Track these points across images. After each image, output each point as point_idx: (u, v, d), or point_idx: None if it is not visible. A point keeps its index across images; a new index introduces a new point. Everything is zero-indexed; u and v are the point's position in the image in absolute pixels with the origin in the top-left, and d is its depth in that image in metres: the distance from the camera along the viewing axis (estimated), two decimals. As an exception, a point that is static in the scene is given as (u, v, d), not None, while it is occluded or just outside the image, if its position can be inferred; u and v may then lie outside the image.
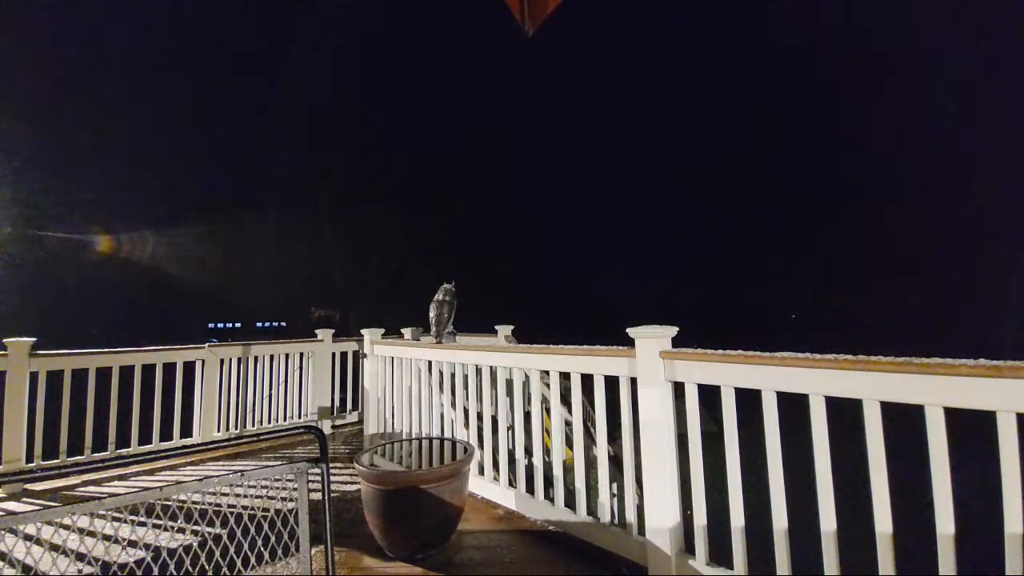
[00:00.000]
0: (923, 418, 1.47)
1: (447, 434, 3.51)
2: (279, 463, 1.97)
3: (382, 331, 4.44)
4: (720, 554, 2.03)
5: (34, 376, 3.63)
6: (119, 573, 1.59)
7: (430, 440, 3.20)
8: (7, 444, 3.46)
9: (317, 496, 1.62)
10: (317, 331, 5.17)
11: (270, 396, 4.84)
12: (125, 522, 2.35)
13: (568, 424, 3.85)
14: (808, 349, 1.80)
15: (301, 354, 5.06)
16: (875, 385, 1.57)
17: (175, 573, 1.48)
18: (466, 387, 3.43)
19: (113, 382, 3.94)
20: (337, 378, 5.29)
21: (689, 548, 2.12)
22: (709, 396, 2.06)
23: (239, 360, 4.63)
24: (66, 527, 2.33)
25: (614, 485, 3.01)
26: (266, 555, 1.61)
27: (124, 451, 3.97)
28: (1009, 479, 1.33)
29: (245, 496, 2.98)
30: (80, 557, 2.05)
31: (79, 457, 3.74)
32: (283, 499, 1.67)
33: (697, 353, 2.08)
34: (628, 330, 2.27)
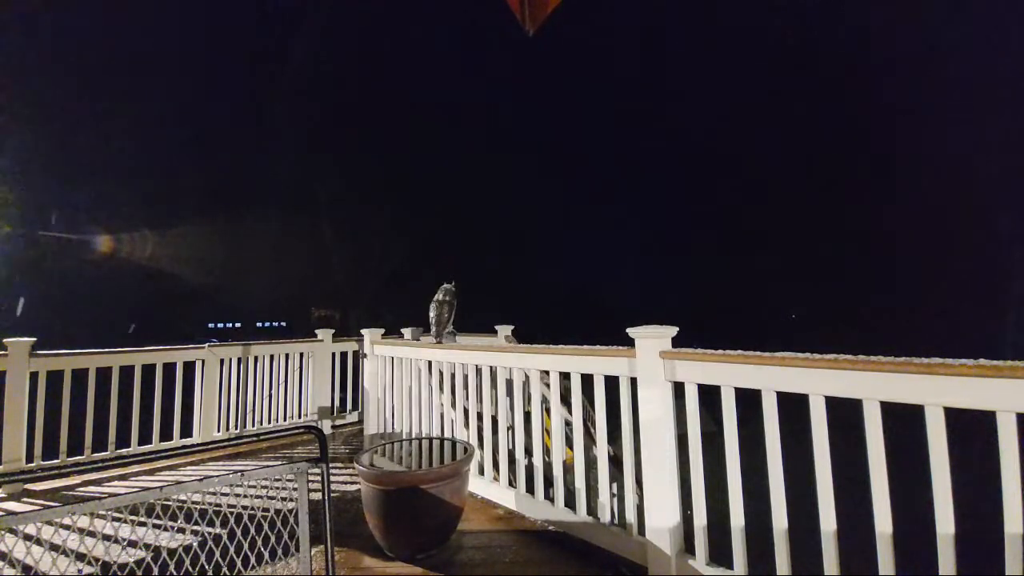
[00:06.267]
0: (923, 418, 1.47)
1: (447, 434, 3.51)
2: (279, 463, 1.97)
3: (382, 331, 4.44)
4: (720, 554, 2.03)
5: (34, 376, 3.63)
6: (119, 573, 1.59)
7: (430, 440, 3.20)
8: (7, 444, 3.46)
9: (317, 496, 1.61)
10: (317, 331, 5.17)
11: (270, 396, 4.83)
12: (125, 522, 2.35)
13: (568, 424, 3.85)
14: (808, 349, 1.80)
15: (301, 354, 5.06)
16: (875, 385, 1.57)
17: (175, 573, 1.48)
18: (466, 387, 3.43)
19: (113, 382, 3.94)
20: (337, 378, 5.29)
21: (689, 548, 2.12)
22: (709, 396, 2.06)
23: (239, 360, 4.63)
24: (66, 527, 2.34)
25: (614, 485, 3.00)
26: (266, 555, 1.61)
27: (124, 451, 3.97)
28: (1009, 479, 1.33)
29: (245, 496, 2.98)
30: (80, 557, 2.05)
31: (79, 457, 3.74)
32: (283, 499, 1.67)
33: (697, 353, 2.08)
34: (628, 330, 2.26)
